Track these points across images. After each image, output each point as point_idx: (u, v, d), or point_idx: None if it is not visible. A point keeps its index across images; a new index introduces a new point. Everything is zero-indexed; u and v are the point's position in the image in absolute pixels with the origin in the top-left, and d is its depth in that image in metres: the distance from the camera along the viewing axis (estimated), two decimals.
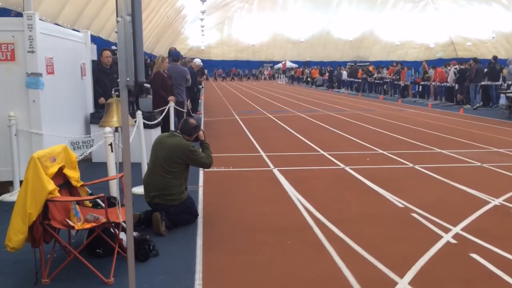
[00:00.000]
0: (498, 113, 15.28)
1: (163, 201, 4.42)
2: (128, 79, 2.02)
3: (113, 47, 15.91)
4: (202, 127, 12.13)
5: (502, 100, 17.69)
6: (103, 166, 4.77)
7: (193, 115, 12.66)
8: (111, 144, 4.13)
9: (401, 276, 3.40)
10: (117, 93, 3.28)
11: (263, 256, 3.83)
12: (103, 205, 3.66)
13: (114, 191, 4.24)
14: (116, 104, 3.31)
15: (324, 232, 4.31)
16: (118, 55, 2.05)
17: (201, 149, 4.77)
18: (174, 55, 9.62)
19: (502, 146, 8.94)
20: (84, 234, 3.83)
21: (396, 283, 3.30)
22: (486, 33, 54.09)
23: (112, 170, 4.22)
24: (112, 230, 3.74)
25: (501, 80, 18.22)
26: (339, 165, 7.28)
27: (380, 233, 4.34)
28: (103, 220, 3.51)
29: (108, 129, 4.05)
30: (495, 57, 18.77)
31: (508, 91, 16.44)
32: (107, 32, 25.33)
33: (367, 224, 4.60)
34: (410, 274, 3.43)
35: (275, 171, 6.92)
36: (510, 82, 17.06)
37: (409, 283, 3.29)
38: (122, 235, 3.77)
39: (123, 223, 3.46)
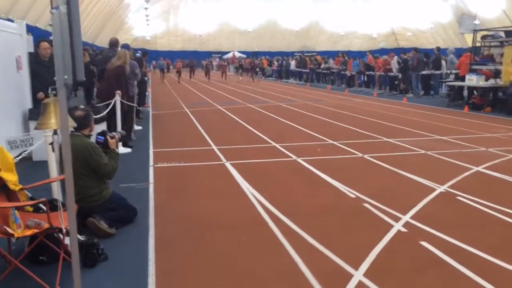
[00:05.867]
0: (439, 101, 15.99)
1: (86, 203, 4.16)
2: (66, 76, 1.84)
3: (51, 38, 15.07)
4: (150, 120, 11.82)
5: (442, 89, 18.54)
6: (44, 165, 4.46)
7: (140, 108, 12.29)
8: (51, 143, 3.85)
9: (356, 268, 3.43)
10: (54, 92, 3.02)
11: (218, 254, 3.73)
12: (45, 209, 3.42)
13: (56, 193, 3.98)
14: (54, 104, 3.04)
15: (279, 227, 4.28)
16: (54, 50, 1.85)
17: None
18: (127, 47, 9.31)
19: (443, 134, 9.33)
20: (26, 241, 3.58)
21: (351, 276, 3.32)
22: (425, 24, 56.45)
23: (53, 171, 3.95)
24: (56, 235, 3.51)
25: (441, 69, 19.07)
26: (291, 157, 7.29)
27: (334, 225, 4.37)
28: (46, 225, 3.27)
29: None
30: (438, 48, 19.62)
31: (448, 79, 17.23)
32: (45, 22, 24.01)
33: (321, 216, 4.62)
34: (364, 265, 3.46)
35: (228, 164, 6.82)
36: (449, 71, 17.88)
37: (364, 275, 3.32)
38: (67, 240, 3.54)
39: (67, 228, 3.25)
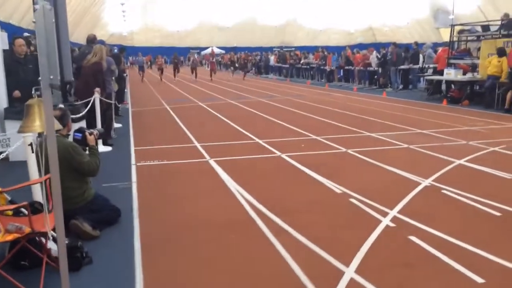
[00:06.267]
0: (418, 95, 16.17)
1: (68, 205, 4.03)
2: (51, 77, 1.73)
3: (26, 34, 14.64)
4: (130, 118, 11.61)
5: (420, 83, 18.77)
6: (22, 165, 4.29)
7: (119, 106, 12.09)
8: (31, 144, 3.71)
9: (347, 264, 3.41)
10: (38, 92, 2.87)
11: (207, 255, 3.67)
12: (25, 212, 3.29)
13: (38, 195, 3.84)
14: (38, 105, 2.88)
15: (268, 224, 4.23)
16: (38, 49, 1.74)
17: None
18: (101, 44, 9.12)
19: (424, 127, 9.43)
20: (6, 245, 3.44)
21: (343, 273, 3.29)
22: (401, 19, 57.09)
23: (34, 173, 3.81)
24: (37, 239, 3.38)
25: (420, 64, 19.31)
26: (276, 153, 7.25)
27: (323, 222, 4.35)
28: (27, 230, 3.15)
29: None
30: (416, 43, 19.85)
31: (426, 74, 17.45)
32: (19, 18, 23.35)
33: (309, 213, 4.59)
34: (355, 262, 3.44)
35: (211, 162, 6.74)
36: (427, 66, 18.11)
37: (355, 271, 3.30)
38: (50, 244, 3.43)
39: (52, 232, 3.13)
